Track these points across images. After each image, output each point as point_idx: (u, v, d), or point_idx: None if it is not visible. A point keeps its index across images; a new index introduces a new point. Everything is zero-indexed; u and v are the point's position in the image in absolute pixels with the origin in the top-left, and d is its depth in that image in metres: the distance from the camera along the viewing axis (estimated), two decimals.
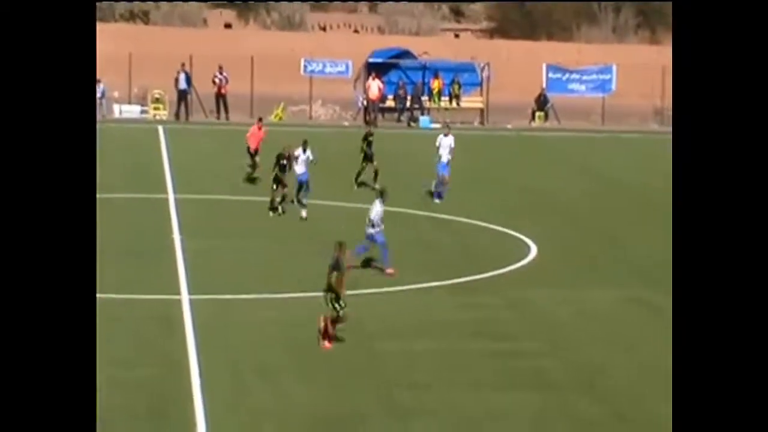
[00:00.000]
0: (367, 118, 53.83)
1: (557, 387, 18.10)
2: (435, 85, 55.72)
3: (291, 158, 31.01)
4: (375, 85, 53.65)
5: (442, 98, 55.89)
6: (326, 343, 19.31)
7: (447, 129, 35.49)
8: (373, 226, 24.52)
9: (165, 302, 22.19)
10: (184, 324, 20.68)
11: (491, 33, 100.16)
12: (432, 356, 19.31)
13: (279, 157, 30.96)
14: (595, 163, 44.36)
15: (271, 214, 30.69)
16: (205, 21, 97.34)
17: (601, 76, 57.87)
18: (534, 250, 27.74)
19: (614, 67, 57.77)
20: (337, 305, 19.19)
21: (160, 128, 49.11)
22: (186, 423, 15.95)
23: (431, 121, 54.14)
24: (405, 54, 59.13)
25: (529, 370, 18.85)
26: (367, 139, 35.15)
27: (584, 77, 57.99)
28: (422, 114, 55.43)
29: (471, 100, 57.59)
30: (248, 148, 35.40)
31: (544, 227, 30.54)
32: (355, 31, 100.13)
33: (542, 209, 33.36)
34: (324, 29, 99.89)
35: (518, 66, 62.04)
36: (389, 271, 24.64)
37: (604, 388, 18.08)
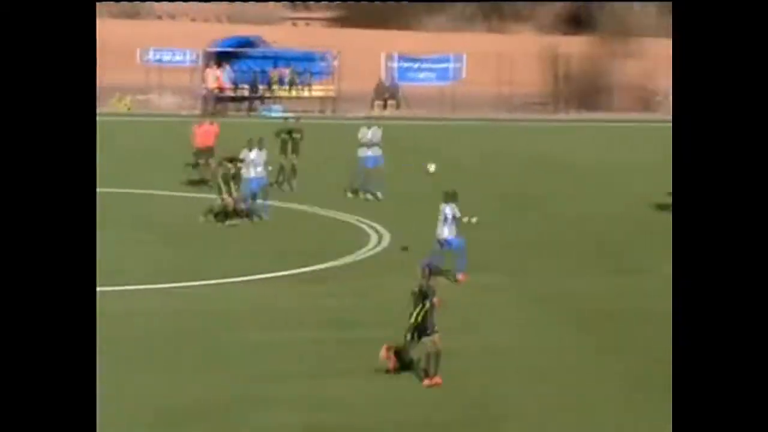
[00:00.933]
0: (208, 107, 53.21)
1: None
2: (283, 73, 55.33)
3: (235, 161, 28.57)
4: (215, 75, 53.22)
5: (291, 87, 55.56)
6: (436, 380, 17.25)
7: (370, 122, 34.35)
8: (456, 227, 23.57)
9: None
10: None
11: (340, 22, 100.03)
12: (284, 346, 18.89)
13: (224, 160, 28.73)
14: (445, 150, 44.38)
15: (226, 222, 28.12)
16: None
17: (450, 65, 58.12)
18: (387, 239, 27.60)
19: (462, 56, 58.06)
20: (417, 338, 17.26)
21: None
22: None
23: (284, 110, 53.71)
24: (251, 42, 58.53)
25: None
26: (291, 133, 33.47)
27: (433, 66, 58.16)
28: (263, 102, 55.04)
29: (320, 89, 57.28)
30: (195, 146, 33.25)
31: (397, 215, 30.38)
32: (194, 19, 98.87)
33: (395, 197, 33.15)
34: (167, 18, 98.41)
35: (366, 55, 61.87)
36: (461, 277, 23.67)
37: (456, 373, 17.85)
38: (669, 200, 33.32)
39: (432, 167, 30.93)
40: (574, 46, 62.03)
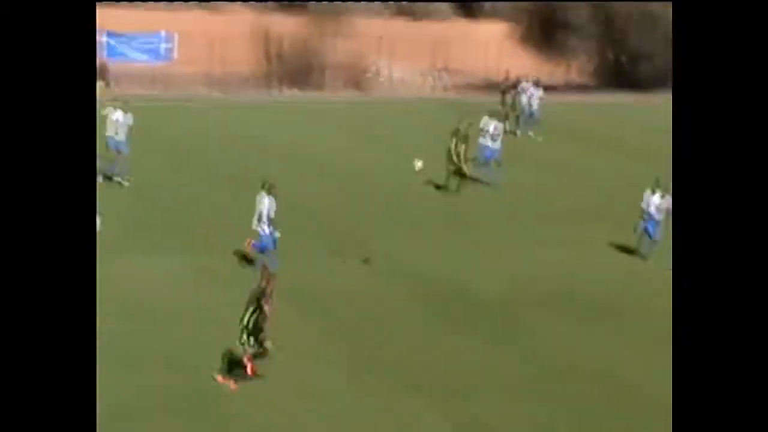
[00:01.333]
0: None
1: (139, 367, 17.60)
2: None
3: None
4: None
5: None
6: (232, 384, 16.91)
7: (123, 106, 32.72)
8: (269, 224, 22.48)
9: None
10: None
11: None
12: None
13: None
14: (163, 131, 43.78)
15: None
16: None
17: (161, 44, 57.30)
18: (98, 220, 27.01)
19: (173, 35, 57.38)
20: (255, 342, 16.70)
21: None
22: None
23: None
24: None
25: (110, 350, 18.07)
26: None
27: (144, 44, 57.20)
28: None
29: None
30: None
31: (109, 196, 29.80)
32: None
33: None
34: None
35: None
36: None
37: (185, 362, 17.70)
38: (390, 179, 33.93)
39: (419, 164, 30.51)
40: (286, 26, 62.25)
